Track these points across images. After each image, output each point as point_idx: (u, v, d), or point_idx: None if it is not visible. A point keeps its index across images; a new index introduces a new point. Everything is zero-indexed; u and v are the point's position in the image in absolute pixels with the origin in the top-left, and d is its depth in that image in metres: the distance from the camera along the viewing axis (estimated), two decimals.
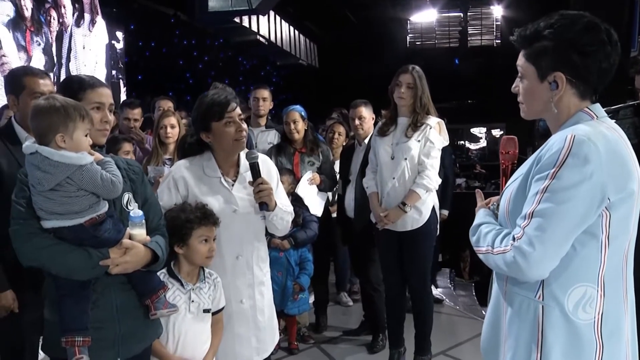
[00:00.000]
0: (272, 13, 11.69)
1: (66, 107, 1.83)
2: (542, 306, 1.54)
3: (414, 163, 3.57)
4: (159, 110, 4.70)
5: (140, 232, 1.96)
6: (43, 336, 2.01)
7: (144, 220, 1.97)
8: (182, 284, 2.29)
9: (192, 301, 2.30)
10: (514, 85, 1.69)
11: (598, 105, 1.60)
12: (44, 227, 1.83)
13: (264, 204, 2.39)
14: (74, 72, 7.15)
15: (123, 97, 8.19)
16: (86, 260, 1.84)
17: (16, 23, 6.18)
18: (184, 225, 2.26)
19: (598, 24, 1.55)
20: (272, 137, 4.88)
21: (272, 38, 12.12)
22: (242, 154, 2.50)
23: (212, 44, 11.65)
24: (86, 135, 1.88)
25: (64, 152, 1.80)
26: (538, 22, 1.59)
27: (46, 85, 2.57)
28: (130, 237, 1.94)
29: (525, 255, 1.47)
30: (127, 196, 2.00)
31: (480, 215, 1.76)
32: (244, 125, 2.44)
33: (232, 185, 2.47)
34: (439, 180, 3.67)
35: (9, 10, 6.09)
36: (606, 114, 1.61)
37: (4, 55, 5.96)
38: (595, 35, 1.53)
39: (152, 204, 2.11)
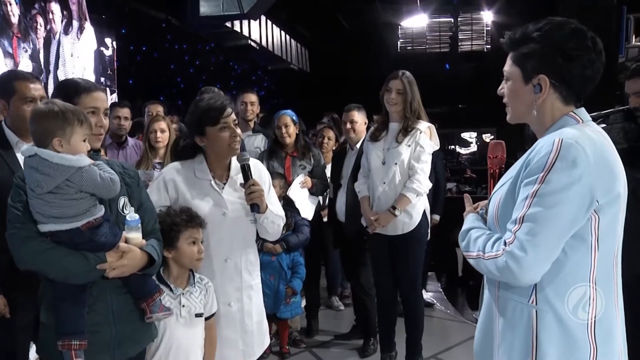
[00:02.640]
0: (263, 18, 11.68)
1: (65, 112, 1.84)
2: (536, 311, 1.54)
3: (404, 168, 3.59)
4: (149, 114, 4.70)
5: (136, 236, 1.97)
6: (38, 340, 2.00)
7: (140, 224, 1.98)
8: (171, 289, 2.28)
9: (183, 306, 2.28)
10: (500, 88, 1.70)
11: (583, 109, 1.62)
12: (40, 231, 1.83)
13: (255, 206, 2.40)
14: (62, 79, 7.11)
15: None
16: (83, 264, 1.84)
17: (3, 29, 6.13)
18: (171, 228, 2.26)
19: (584, 30, 1.57)
20: (259, 141, 4.88)
21: (264, 43, 12.11)
22: (234, 158, 2.51)
23: (204, 49, 11.64)
24: (84, 140, 1.89)
25: (63, 154, 1.81)
26: (527, 26, 1.62)
27: (37, 89, 2.53)
28: (127, 241, 1.95)
29: (517, 259, 1.48)
30: (123, 200, 2.01)
31: (470, 220, 1.76)
32: (238, 131, 2.46)
33: (223, 188, 2.48)
34: (430, 185, 3.69)
35: None
36: (591, 118, 1.63)
37: None
38: (581, 40, 1.55)
39: (147, 208, 2.12)
